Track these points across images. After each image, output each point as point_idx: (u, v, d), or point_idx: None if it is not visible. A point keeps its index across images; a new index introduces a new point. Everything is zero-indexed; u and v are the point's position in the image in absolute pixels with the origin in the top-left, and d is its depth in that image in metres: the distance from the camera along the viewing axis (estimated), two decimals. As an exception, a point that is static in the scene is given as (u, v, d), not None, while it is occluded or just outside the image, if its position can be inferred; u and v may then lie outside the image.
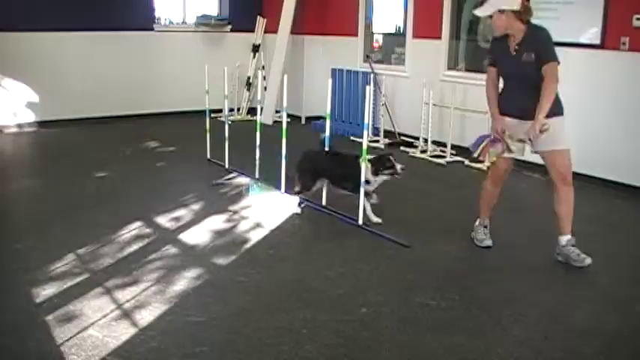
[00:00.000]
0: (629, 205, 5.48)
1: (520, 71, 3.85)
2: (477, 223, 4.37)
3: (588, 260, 3.90)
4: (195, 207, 5.12)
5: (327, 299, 3.47)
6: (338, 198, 5.09)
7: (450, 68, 7.57)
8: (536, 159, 6.41)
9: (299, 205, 5.01)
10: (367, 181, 4.63)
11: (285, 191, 5.34)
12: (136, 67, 9.01)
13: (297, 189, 4.99)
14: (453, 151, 7.07)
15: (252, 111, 9.18)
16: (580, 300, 3.58)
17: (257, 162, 5.77)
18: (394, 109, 8.06)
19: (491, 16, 3.85)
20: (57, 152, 7.25)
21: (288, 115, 5.97)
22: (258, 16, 9.73)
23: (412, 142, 7.70)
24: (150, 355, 2.84)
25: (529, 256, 4.20)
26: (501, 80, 4.10)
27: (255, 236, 4.46)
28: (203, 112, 6.64)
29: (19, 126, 8.28)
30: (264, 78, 8.97)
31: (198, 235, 4.45)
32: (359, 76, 8.36)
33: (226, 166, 6.26)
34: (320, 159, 5.02)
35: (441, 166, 6.77)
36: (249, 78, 9.73)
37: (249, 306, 3.36)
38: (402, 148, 7.54)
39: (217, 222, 4.76)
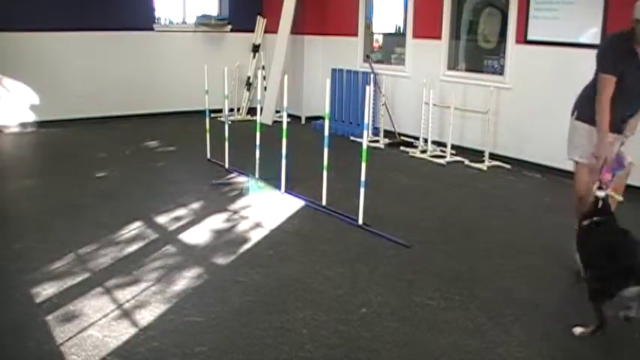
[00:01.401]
0: (630, 206, 5.46)
1: None
2: None
3: None
4: (195, 207, 5.12)
5: (327, 299, 3.47)
6: (338, 198, 5.09)
7: (450, 68, 7.56)
8: (536, 159, 6.50)
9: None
10: None
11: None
12: (136, 67, 9.01)
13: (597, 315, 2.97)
14: (453, 151, 7.07)
15: (252, 111, 9.19)
16: (580, 300, 3.56)
17: (257, 162, 5.77)
18: (394, 109, 8.06)
19: None
20: (57, 152, 7.24)
21: (288, 115, 5.97)
22: (258, 16, 9.73)
23: (412, 142, 7.71)
24: (150, 355, 2.84)
25: (529, 256, 4.19)
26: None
27: (255, 236, 4.46)
28: (203, 112, 6.64)
29: (19, 126, 8.28)
30: (264, 78, 8.98)
31: (198, 235, 4.45)
32: (359, 76, 8.35)
33: (226, 166, 6.26)
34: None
35: (441, 166, 6.77)
36: (249, 78, 9.73)
37: (249, 306, 3.36)
38: (402, 148, 7.55)
39: (217, 222, 4.76)
